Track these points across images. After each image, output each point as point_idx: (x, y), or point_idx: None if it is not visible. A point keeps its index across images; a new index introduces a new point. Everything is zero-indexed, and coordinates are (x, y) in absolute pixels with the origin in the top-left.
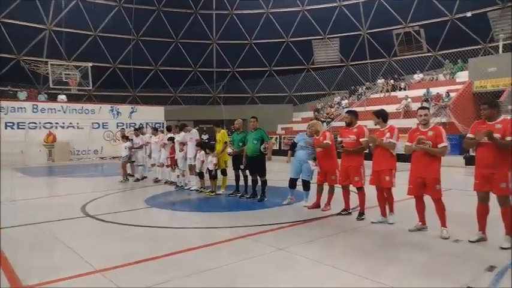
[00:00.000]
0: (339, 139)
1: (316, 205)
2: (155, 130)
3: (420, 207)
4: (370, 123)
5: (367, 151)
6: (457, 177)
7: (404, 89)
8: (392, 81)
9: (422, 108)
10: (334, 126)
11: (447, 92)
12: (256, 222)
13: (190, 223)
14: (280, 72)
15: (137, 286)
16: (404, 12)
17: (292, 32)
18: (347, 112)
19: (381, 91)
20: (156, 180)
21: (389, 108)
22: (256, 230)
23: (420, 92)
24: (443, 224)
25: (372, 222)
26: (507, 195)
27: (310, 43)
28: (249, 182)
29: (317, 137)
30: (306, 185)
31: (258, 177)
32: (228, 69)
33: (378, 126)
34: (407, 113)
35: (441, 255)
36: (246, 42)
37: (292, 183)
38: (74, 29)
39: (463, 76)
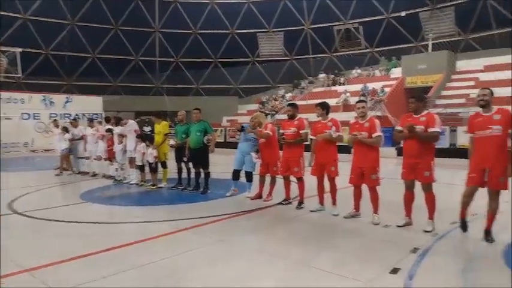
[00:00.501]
0: (280, 131)
1: (259, 196)
2: (91, 121)
3: (357, 196)
4: (312, 116)
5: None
6: (389, 168)
7: (344, 84)
8: (333, 76)
9: (360, 101)
10: (279, 119)
11: (382, 87)
12: (197, 214)
13: (129, 218)
14: (225, 63)
15: (68, 285)
16: (345, 9)
17: (237, 23)
18: (289, 105)
19: (322, 85)
20: (93, 175)
21: (330, 102)
22: (198, 222)
23: (358, 87)
24: (376, 211)
25: (311, 211)
26: (430, 182)
27: (255, 36)
28: (192, 175)
29: (260, 129)
30: (249, 177)
31: (201, 170)
32: (171, 59)
33: (319, 118)
34: (346, 107)
35: (372, 240)
36: (190, 32)
37: (236, 174)
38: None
39: (396, 72)
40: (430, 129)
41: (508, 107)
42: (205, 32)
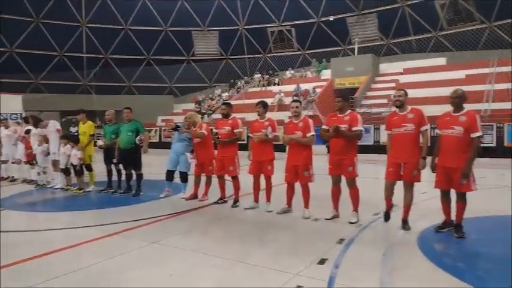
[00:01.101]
0: (215, 130)
1: (194, 196)
2: (5, 121)
3: (290, 193)
4: (249, 116)
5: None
6: (320, 164)
7: (278, 84)
8: (267, 76)
9: (294, 101)
10: (215, 118)
11: (313, 88)
12: (129, 218)
13: (55, 224)
14: (159, 62)
15: None
16: (278, 12)
17: (171, 21)
18: (223, 104)
19: (257, 85)
20: (12, 180)
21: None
22: (130, 225)
23: (291, 88)
24: (306, 206)
25: (246, 209)
26: (354, 177)
27: (190, 34)
28: (124, 177)
29: (194, 129)
30: (184, 177)
31: (133, 171)
32: (100, 56)
33: (257, 117)
34: (281, 106)
35: (303, 233)
36: (120, 27)
37: (169, 175)
38: None
39: (326, 74)
40: (354, 128)
41: (420, 107)
42: (137, 28)
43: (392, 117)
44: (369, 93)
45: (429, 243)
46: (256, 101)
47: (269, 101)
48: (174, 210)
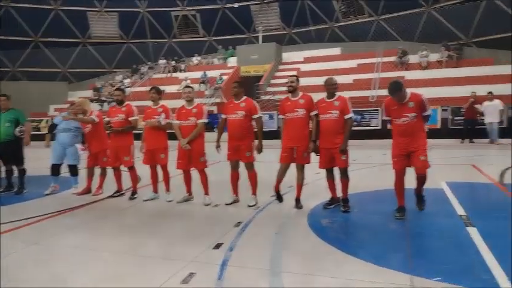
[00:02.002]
0: (107, 119)
1: (87, 190)
2: None
3: (188, 180)
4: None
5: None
6: (223, 151)
7: (185, 71)
8: (173, 62)
9: (186, 86)
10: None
11: (220, 75)
12: (10, 218)
13: None
14: (49, 44)
15: None
16: None
17: None
18: (116, 90)
19: (163, 71)
20: None
21: (171, 89)
22: (10, 226)
23: (198, 74)
24: (206, 192)
25: (144, 200)
26: (251, 162)
27: (85, 14)
28: (3, 174)
29: (84, 117)
30: (73, 170)
31: (14, 167)
32: None
33: (150, 104)
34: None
35: (202, 219)
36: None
37: (56, 169)
38: None
39: (233, 61)
40: (254, 116)
41: (312, 94)
42: (20, 5)
43: (286, 102)
44: (273, 81)
45: (317, 220)
46: (162, 87)
47: (175, 88)
48: (63, 207)
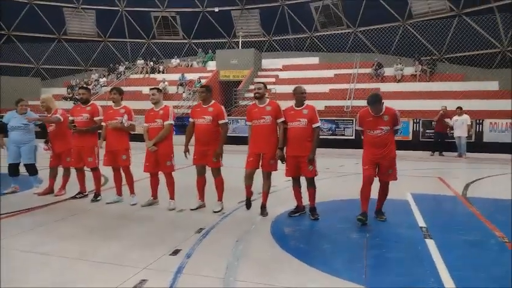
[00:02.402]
0: (71, 118)
1: (49, 190)
2: None
3: (154, 184)
4: (130, 104)
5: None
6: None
7: (163, 72)
8: (151, 63)
9: (153, 88)
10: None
11: (199, 78)
12: None
13: None
14: (23, 38)
15: None
16: None
17: None
18: (80, 88)
19: (140, 72)
20: None
21: (148, 90)
22: None
23: (176, 76)
24: (172, 197)
25: (107, 203)
26: (218, 167)
27: (61, 10)
28: None
29: (48, 115)
30: (31, 169)
31: None
32: None
33: (112, 105)
34: (164, 96)
35: (163, 224)
36: None
37: (13, 169)
38: None
39: (212, 65)
40: (220, 122)
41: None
42: None
43: (253, 109)
44: (252, 87)
45: (280, 228)
46: (138, 88)
47: None
48: (21, 207)
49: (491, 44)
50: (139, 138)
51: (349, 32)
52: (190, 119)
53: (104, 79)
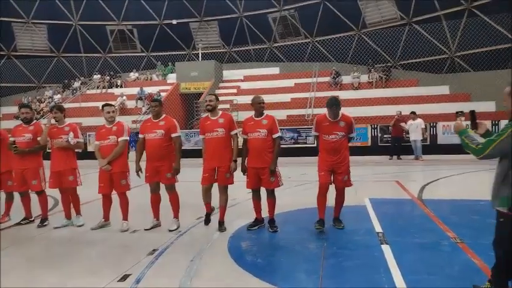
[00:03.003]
0: (12, 139)
1: None
2: None
3: (106, 204)
4: (87, 120)
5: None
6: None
7: (121, 87)
8: (108, 78)
9: (107, 105)
10: (45, 124)
11: (158, 92)
12: None
13: None
14: None
15: None
16: (117, 10)
17: None
18: (22, 107)
19: (97, 87)
20: None
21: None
22: None
23: (135, 90)
24: (125, 218)
25: (55, 228)
26: (173, 183)
27: (9, 25)
28: None
29: None
30: None
31: None
32: None
33: (55, 123)
34: (123, 110)
35: (114, 248)
36: None
37: None
38: None
39: (172, 78)
40: (173, 135)
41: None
42: None
43: (205, 122)
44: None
45: (238, 243)
46: (95, 104)
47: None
48: None
49: (441, 50)
50: (93, 156)
51: (307, 42)
52: (140, 135)
53: (59, 96)
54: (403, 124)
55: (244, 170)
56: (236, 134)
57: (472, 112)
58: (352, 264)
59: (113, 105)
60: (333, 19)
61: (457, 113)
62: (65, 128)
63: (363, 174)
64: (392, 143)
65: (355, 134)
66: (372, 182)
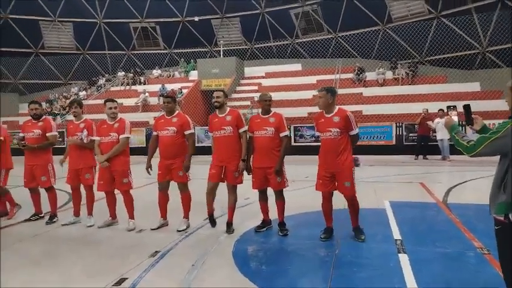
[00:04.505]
0: (21, 134)
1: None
2: None
3: (111, 202)
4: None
5: None
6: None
7: (144, 84)
8: (132, 75)
9: (110, 100)
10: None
11: (180, 89)
12: None
13: None
14: None
15: None
16: (140, 8)
17: (11, 7)
18: (31, 103)
19: (121, 84)
20: None
21: (129, 102)
22: None
23: (157, 87)
24: (131, 216)
25: (63, 225)
26: (185, 182)
27: (37, 24)
28: None
29: None
30: None
31: None
32: None
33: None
34: (146, 107)
35: (117, 248)
36: None
37: None
38: None
39: (194, 75)
40: (186, 132)
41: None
42: None
43: (213, 119)
44: (234, 95)
45: (244, 247)
46: (120, 101)
47: (133, 101)
48: None
49: (471, 45)
50: None
51: (330, 38)
52: (154, 132)
53: (84, 92)
54: (429, 122)
55: (249, 170)
56: (245, 131)
57: (467, 106)
58: (364, 276)
59: (115, 101)
60: (357, 14)
61: (448, 107)
62: (80, 125)
63: (385, 174)
64: (418, 142)
65: (358, 130)
66: (394, 183)
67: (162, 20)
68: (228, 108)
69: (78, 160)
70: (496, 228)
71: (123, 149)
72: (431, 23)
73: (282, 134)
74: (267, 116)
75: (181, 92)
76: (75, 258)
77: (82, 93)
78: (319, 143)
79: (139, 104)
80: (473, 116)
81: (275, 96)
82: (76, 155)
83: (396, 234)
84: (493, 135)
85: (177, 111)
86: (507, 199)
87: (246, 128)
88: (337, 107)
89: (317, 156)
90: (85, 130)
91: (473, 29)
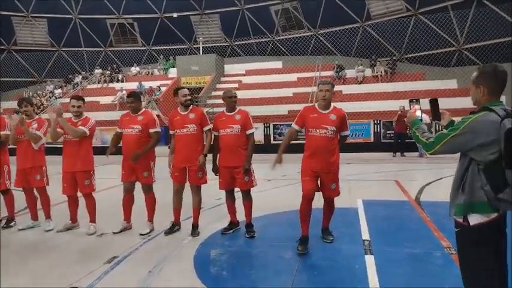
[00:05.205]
0: None
1: None
2: None
3: (72, 205)
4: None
5: None
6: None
7: (122, 81)
8: (109, 72)
9: (73, 98)
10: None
11: (158, 86)
12: None
13: None
14: None
15: None
16: (117, 3)
17: None
18: None
19: (98, 82)
20: None
21: (106, 100)
22: None
23: (135, 85)
24: (92, 220)
25: (20, 230)
26: (150, 183)
27: (9, 19)
28: None
29: None
30: None
31: None
32: None
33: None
34: (123, 105)
35: (72, 253)
36: None
37: None
38: None
39: (174, 72)
40: (151, 130)
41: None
42: None
43: (175, 116)
44: (214, 93)
45: (207, 251)
46: (96, 99)
47: (110, 98)
48: None
49: (448, 42)
50: None
51: (310, 35)
52: (118, 130)
53: (60, 90)
54: (406, 119)
55: (216, 170)
56: (209, 129)
57: (434, 100)
58: (327, 279)
59: (81, 98)
60: (337, 11)
61: (410, 100)
62: (33, 124)
63: (361, 172)
64: (395, 139)
65: (349, 132)
66: (369, 181)
67: (139, 16)
68: (191, 106)
69: (26, 160)
70: (456, 230)
71: (85, 147)
72: (409, 21)
73: (248, 132)
74: (232, 113)
75: (159, 90)
76: (25, 267)
77: (57, 91)
78: (299, 141)
79: (116, 102)
80: (440, 110)
81: (255, 93)
82: (23, 155)
83: (365, 235)
84: (451, 132)
85: (143, 109)
86: (465, 200)
87: (210, 126)
88: (332, 105)
89: (296, 155)
90: (35, 123)
91: (450, 26)
